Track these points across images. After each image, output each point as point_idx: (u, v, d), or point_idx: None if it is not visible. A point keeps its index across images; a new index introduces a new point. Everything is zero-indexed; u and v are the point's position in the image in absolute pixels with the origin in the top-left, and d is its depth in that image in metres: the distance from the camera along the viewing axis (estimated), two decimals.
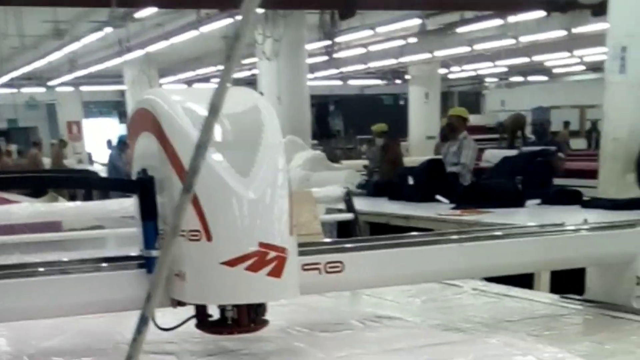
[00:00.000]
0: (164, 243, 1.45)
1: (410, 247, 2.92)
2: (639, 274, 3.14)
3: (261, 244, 2.29)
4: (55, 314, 2.61)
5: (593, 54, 22.52)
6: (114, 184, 3.57)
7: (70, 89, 28.69)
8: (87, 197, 6.57)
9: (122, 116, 30.91)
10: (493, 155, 17.00)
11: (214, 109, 1.30)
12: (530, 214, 7.00)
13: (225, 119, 2.38)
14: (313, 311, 3.23)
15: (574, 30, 16.82)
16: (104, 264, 2.63)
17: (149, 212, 2.50)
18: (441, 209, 7.66)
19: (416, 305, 3.50)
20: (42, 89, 28.49)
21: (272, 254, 2.30)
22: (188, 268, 2.34)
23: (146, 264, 2.50)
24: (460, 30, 17.96)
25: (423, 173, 9.07)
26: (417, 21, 17.20)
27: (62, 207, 5.62)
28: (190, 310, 2.53)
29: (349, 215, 4.68)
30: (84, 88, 28.71)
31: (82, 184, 6.62)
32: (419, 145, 22.31)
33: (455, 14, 17.17)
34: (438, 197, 8.29)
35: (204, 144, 1.32)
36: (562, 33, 17.49)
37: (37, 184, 5.06)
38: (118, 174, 15.76)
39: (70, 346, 2.79)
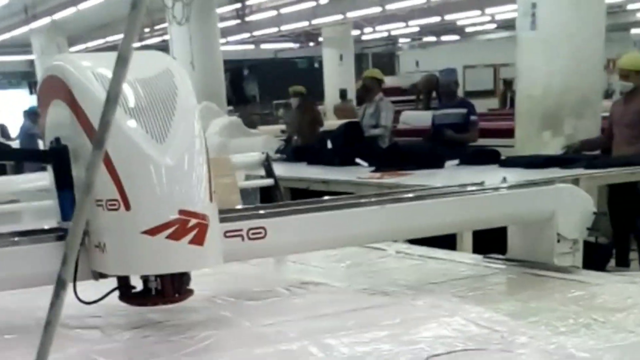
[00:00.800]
0: (78, 205, 1.39)
1: (332, 210, 2.90)
2: (559, 231, 3.18)
3: (181, 212, 2.24)
4: None
5: (504, 11, 22.82)
6: (27, 154, 3.44)
7: None
8: (1, 172, 6.36)
9: (33, 87, 30.12)
10: (409, 117, 17.18)
11: (123, 59, 1.23)
12: (450, 175, 7.03)
13: (138, 84, 2.32)
14: (238, 279, 3.20)
15: None
16: (20, 238, 2.54)
17: (64, 182, 2.43)
18: (361, 172, 7.66)
19: (341, 270, 3.49)
20: None
21: (193, 221, 2.25)
22: (108, 239, 2.28)
23: (64, 235, 2.40)
24: None
25: (341, 137, 9.06)
26: None
27: None
28: (113, 283, 2.47)
29: (269, 181, 4.63)
30: None
31: None
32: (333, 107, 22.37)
33: None
34: (358, 160, 8.27)
35: (114, 97, 1.25)
36: None
37: None
38: (34, 145, 15.39)
39: None
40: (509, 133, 9.53)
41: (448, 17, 24.57)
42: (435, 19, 24.34)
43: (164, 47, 18.76)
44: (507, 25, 27.81)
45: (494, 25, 29.22)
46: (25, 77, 31.95)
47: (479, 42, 33.28)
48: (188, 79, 2.47)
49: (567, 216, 3.18)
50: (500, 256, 3.44)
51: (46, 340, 1.35)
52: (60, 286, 1.34)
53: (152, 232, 2.21)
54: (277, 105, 25.26)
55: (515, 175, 6.59)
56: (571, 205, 3.21)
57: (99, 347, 2.41)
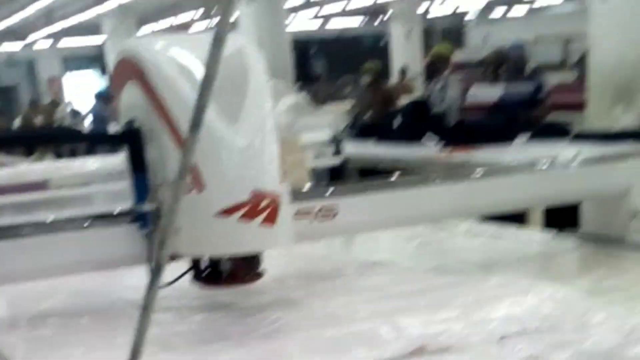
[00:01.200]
0: (173, 185, 1.41)
1: (402, 189, 2.90)
2: (634, 207, 3.12)
3: (254, 192, 2.24)
4: (48, 274, 2.57)
5: None
6: (101, 137, 3.49)
7: (49, 44, 28.29)
8: (72, 154, 6.47)
9: (103, 69, 30.59)
10: (478, 92, 16.95)
11: (219, 40, 1.32)
12: (520, 150, 6.96)
13: None
14: (307, 260, 3.21)
15: None
16: (95, 221, 2.58)
17: (138, 165, 2.44)
18: (429, 149, 7.62)
19: (410, 249, 3.48)
20: (19, 45, 28.10)
21: (265, 201, 2.26)
22: (181, 220, 2.30)
23: (138, 218, 2.45)
24: None
25: (409, 114, 9.01)
26: None
27: (45, 166, 5.58)
28: (183, 266, 2.50)
29: (337, 160, 4.64)
30: (62, 43, 28.31)
31: (68, 139, 6.55)
32: None
33: None
34: (426, 137, 8.23)
35: (210, 78, 1.32)
36: None
37: (20, 143, 4.97)
38: (104, 127, 15.63)
39: (66, 307, 2.76)
40: (579, 107, 9.37)
41: None
42: None
43: (232, 26, 18.87)
44: None
45: None
46: (95, 60, 32.48)
47: (546, 15, 32.72)
48: (261, 59, 2.47)
49: None
50: (573, 232, 3.39)
51: (143, 324, 1.37)
52: (156, 271, 1.37)
53: (225, 213, 2.22)
54: (344, 83, 25.18)
55: (586, 149, 6.49)
56: None
57: (172, 329, 2.44)
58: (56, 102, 21.67)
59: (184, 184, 1.40)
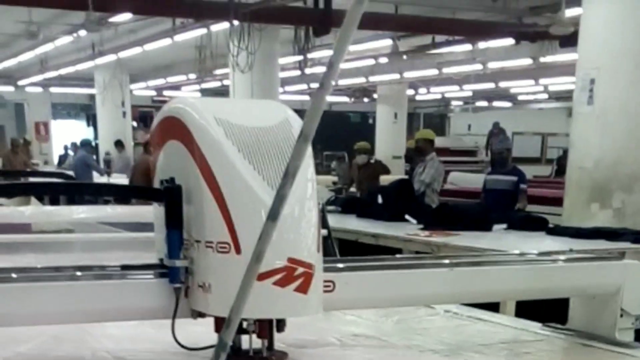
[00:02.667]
0: (247, 273, 1.44)
1: (401, 269, 2.95)
2: (623, 306, 3.16)
3: (290, 259, 2.29)
4: (69, 320, 2.59)
5: (557, 83, 22.95)
6: (139, 192, 3.56)
7: (40, 89, 28.41)
8: (55, 202, 6.54)
9: (90, 119, 30.69)
10: (457, 178, 17.26)
11: (305, 136, 1.31)
12: (498, 239, 7.10)
13: (258, 132, 2.40)
14: (292, 328, 3.25)
15: (541, 60, 17.13)
16: (125, 271, 2.62)
17: (175, 221, 2.47)
18: (409, 229, 7.76)
19: (390, 325, 3.48)
20: (11, 88, 28.24)
21: (300, 269, 2.30)
22: (214, 280, 2.34)
23: (169, 273, 2.48)
24: (430, 53, 18.17)
25: (393, 192, 9.18)
26: (388, 42, 17.42)
27: (37, 211, 5.65)
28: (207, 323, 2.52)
29: (323, 232, 4.71)
30: (53, 89, 28.45)
31: (104, 192, 6.55)
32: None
33: (426, 37, 17.36)
34: (407, 217, 8.39)
35: (293, 172, 1.31)
36: (529, 61, 17.83)
37: (46, 191, 5.03)
38: (89, 175, 15.80)
39: (41, 352, 2.77)
40: (556, 201, 9.60)
41: (502, 85, 24.77)
42: (489, 86, 24.52)
43: (223, 92, 19.08)
44: (559, 96, 27.97)
45: (545, 95, 29.33)
46: (84, 110, 32.60)
47: (527, 109, 33.35)
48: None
49: (633, 292, 3.16)
50: (560, 325, 3.42)
51: None
52: (221, 348, 1.40)
53: (260, 277, 2.21)
54: (328, 156, 25.41)
55: (561, 244, 6.64)
56: (638, 281, 3.19)
57: None
58: (27, 142, 21.84)
59: (256, 272, 1.45)
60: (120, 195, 6.06)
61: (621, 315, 3.17)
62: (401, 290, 2.91)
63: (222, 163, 2.33)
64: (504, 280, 3.10)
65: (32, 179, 8.28)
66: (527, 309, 3.98)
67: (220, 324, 2.50)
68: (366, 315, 3.56)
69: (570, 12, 11.72)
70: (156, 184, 2.65)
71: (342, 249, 7.03)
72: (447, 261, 3.13)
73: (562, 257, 3.39)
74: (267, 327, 2.47)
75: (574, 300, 3.44)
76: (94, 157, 22.30)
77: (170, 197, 2.48)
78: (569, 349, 3.23)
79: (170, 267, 2.47)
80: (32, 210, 5.60)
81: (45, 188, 4.53)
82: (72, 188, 4.50)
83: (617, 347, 3.11)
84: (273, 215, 1.35)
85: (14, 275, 2.51)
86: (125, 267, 2.67)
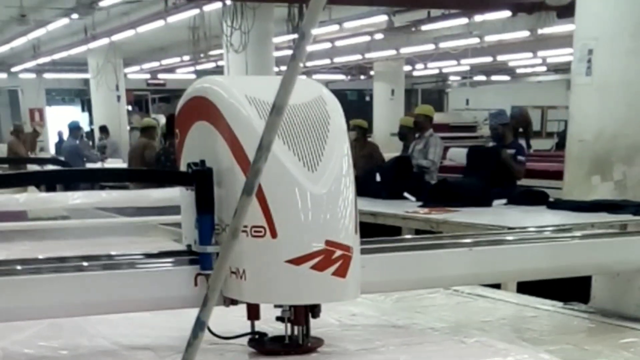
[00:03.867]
0: (223, 246, 1.39)
1: (424, 250, 2.87)
2: None
3: (328, 242, 2.22)
4: (105, 310, 2.52)
5: (556, 55, 22.80)
6: (169, 176, 3.48)
7: (33, 75, 28.30)
8: (51, 188, 6.48)
9: (85, 104, 30.61)
10: (457, 154, 17.15)
11: (278, 109, 1.26)
12: (498, 214, 7.05)
13: (292, 111, 2.29)
14: None
15: (539, 32, 17.01)
16: (155, 259, 2.55)
17: (206, 206, 2.38)
18: (408, 206, 7.70)
19: (389, 303, 3.48)
20: (4, 75, 28.12)
21: (338, 252, 2.24)
22: (248, 265, 2.26)
23: (200, 260, 2.41)
24: (426, 28, 18.02)
25: (391, 170, 9.10)
26: (384, 17, 17.29)
27: (32, 198, 5.62)
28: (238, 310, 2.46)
29: None
30: (47, 75, 28.32)
31: (134, 178, 6.55)
32: (383, 142, 22.41)
33: (422, 12, 17.23)
34: (405, 194, 8.33)
35: (267, 146, 1.28)
36: (526, 34, 17.71)
37: (74, 179, 4.98)
38: (79, 161, 15.66)
39: (42, 339, 2.74)
40: (557, 175, 9.53)
41: (500, 58, 24.64)
42: (487, 59, 24.39)
43: (218, 73, 18.98)
44: (557, 69, 27.86)
45: (544, 68, 29.21)
46: (78, 95, 32.52)
47: (526, 83, 33.25)
48: (339, 106, 2.44)
49: None
50: (583, 305, 3.38)
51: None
52: (198, 327, 1.36)
53: (297, 261, 2.19)
54: None
55: (561, 218, 6.61)
56: None
57: None
58: (37, 132, 21.70)
59: (235, 243, 1.37)
60: (144, 180, 5.97)
61: None
62: (420, 272, 2.82)
63: (256, 144, 2.24)
64: (526, 259, 2.98)
65: (47, 167, 8.24)
66: (546, 288, 3.89)
67: (252, 311, 2.44)
68: (365, 294, 3.52)
69: None
70: (182, 168, 2.53)
71: None
72: (467, 241, 3.02)
73: (582, 232, 3.32)
74: (302, 313, 2.40)
75: (597, 279, 3.34)
76: (90, 143, 22.26)
77: (201, 180, 2.37)
78: (591, 328, 3.14)
79: (202, 254, 2.39)
80: (27, 198, 5.59)
81: (59, 176, 4.43)
82: (89, 174, 4.47)
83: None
84: (248, 189, 1.29)
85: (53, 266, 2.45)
86: (154, 255, 2.58)
